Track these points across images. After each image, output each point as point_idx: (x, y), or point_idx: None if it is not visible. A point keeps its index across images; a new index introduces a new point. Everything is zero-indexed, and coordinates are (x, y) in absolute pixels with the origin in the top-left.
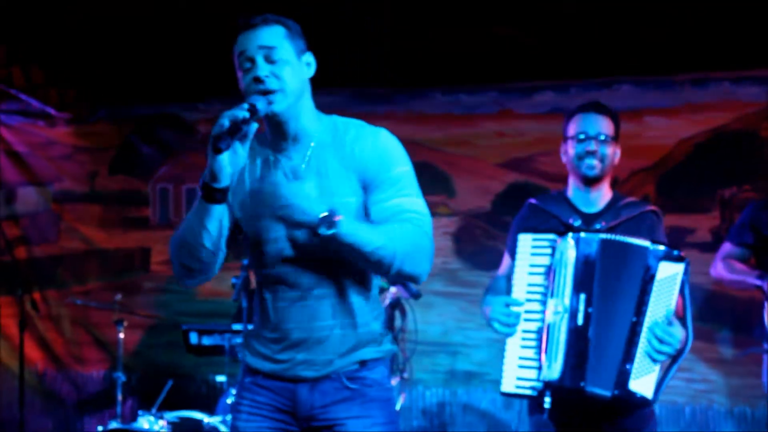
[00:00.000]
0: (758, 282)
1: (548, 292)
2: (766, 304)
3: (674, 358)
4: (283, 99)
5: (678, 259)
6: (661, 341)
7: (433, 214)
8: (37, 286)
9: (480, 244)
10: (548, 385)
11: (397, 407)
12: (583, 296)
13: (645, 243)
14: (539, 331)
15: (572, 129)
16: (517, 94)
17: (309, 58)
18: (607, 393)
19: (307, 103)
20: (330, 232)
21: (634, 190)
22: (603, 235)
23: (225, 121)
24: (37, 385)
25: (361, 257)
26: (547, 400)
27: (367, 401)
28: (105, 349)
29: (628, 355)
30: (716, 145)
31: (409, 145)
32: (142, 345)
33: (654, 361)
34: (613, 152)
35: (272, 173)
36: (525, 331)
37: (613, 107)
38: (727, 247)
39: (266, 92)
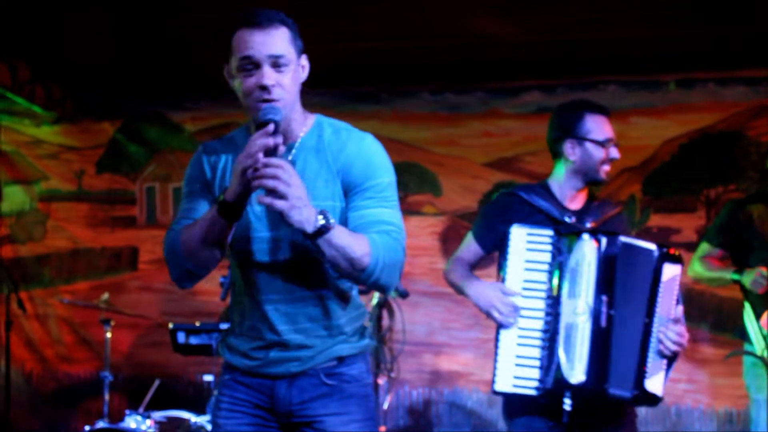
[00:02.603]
0: (735, 276)
1: (559, 290)
2: (746, 304)
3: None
4: (284, 109)
5: (678, 261)
6: (674, 342)
7: (420, 213)
8: (23, 286)
9: None
10: (569, 387)
11: (385, 406)
12: (604, 298)
13: (651, 245)
14: (545, 330)
15: (597, 133)
16: (504, 93)
17: (304, 60)
18: (627, 394)
19: (297, 105)
20: (322, 235)
21: (620, 190)
22: (623, 238)
23: (259, 155)
24: (23, 384)
25: (345, 262)
26: (567, 401)
27: (345, 397)
28: (92, 349)
29: (643, 356)
30: (702, 146)
31: (395, 144)
32: (130, 344)
33: (663, 359)
34: None
35: None
36: (523, 329)
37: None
38: (704, 247)
39: (271, 101)
